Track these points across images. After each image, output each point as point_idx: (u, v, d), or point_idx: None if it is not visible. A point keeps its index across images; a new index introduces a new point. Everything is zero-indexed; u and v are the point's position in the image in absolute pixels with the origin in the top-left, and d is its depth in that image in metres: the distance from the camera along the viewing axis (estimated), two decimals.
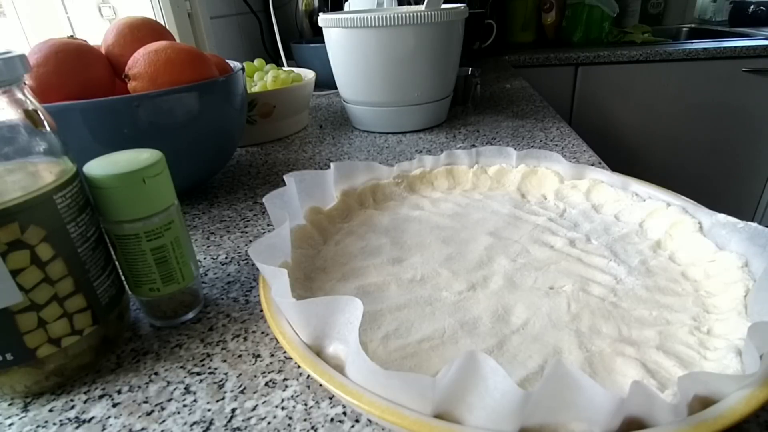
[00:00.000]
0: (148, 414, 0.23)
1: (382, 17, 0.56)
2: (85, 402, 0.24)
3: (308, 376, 0.24)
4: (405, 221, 0.37)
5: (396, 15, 0.55)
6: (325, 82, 0.82)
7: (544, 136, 0.61)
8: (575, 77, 1.38)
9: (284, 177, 0.33)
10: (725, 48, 1.28)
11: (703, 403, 0.18)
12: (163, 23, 0.79)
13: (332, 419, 0.22)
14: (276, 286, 0.23)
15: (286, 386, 0.24)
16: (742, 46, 1.28)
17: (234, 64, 0.50)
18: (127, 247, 0.26)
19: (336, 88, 0.69)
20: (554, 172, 0.40)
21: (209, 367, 0.25)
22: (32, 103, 0.23)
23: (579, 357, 0.23)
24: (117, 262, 0.27)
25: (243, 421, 0.22)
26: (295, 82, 0.68)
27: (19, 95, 0.22)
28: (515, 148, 0.44)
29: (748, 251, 0.27)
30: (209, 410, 0.23)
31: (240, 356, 0.26)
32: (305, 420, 0.22)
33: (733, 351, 0.21)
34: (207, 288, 0.33)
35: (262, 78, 0.67)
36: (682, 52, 1.30)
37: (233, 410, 0.23)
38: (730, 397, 0.18)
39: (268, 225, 0.41)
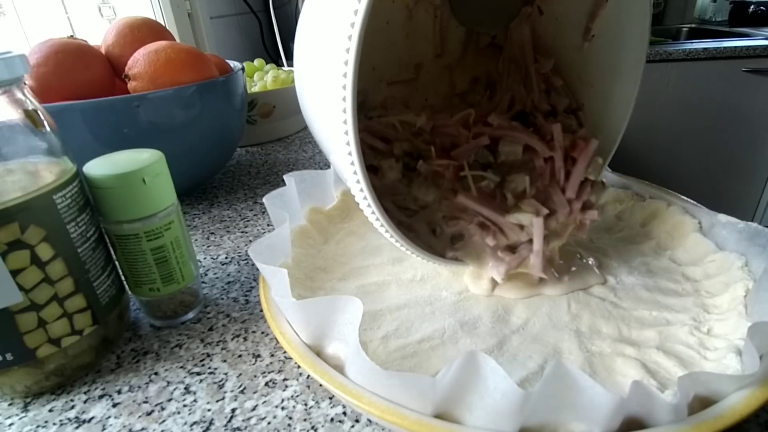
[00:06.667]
0: (148, 414, 0.23)
1: None
2: (85, 402, 0.24)
3: (308, 376, 0.24)
4: None
5: None
6: None
7: None
8: None
9: (284, 177, 0.33)
10: (725, 48, 1.28)
11: (703, 403, 0.18)
12: (163, 23, 0.79)
13: (332, 419, 0.22)
14: (276, 286, 0.23)
15: (286, 386, 0.24)
16: (742, 46, 1.28)
17: (234, 64, 0.50)
18: (127, 247, 0.26)
19: None
20: None
21: (209, 367, 0.25)
22: (32, 103, 0.23)
23: (579, 357, 0.23)
24: (117, 262, 0.27)
25: (243, 421, 0.22)
26: None
27: (19, 95, 0.22)
28: None
29: (748, 251, 0.27)
30: (209, 410, 0.23)
31: (240, 356, 0.26)
32: (305, 420, 0.22)
33: (733, 351, 0.21)
34: (207, 288, 0.33)
35: (262, 78, 0.67)
36: (682, 52, 1.30)
37: (233, 410, 0.23)
38: (730, 397, 0.18)
39: (268, 225, 0.41)
